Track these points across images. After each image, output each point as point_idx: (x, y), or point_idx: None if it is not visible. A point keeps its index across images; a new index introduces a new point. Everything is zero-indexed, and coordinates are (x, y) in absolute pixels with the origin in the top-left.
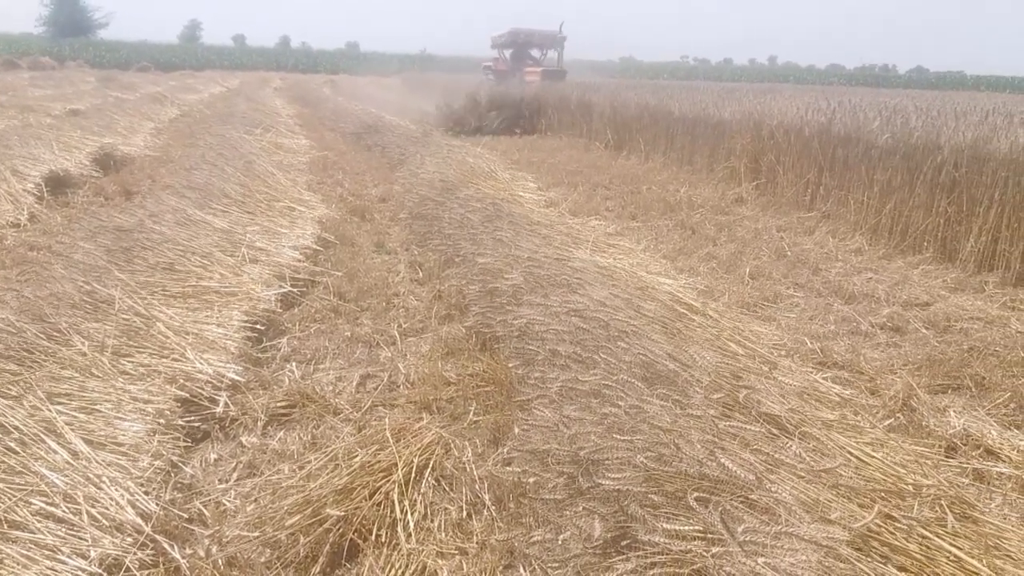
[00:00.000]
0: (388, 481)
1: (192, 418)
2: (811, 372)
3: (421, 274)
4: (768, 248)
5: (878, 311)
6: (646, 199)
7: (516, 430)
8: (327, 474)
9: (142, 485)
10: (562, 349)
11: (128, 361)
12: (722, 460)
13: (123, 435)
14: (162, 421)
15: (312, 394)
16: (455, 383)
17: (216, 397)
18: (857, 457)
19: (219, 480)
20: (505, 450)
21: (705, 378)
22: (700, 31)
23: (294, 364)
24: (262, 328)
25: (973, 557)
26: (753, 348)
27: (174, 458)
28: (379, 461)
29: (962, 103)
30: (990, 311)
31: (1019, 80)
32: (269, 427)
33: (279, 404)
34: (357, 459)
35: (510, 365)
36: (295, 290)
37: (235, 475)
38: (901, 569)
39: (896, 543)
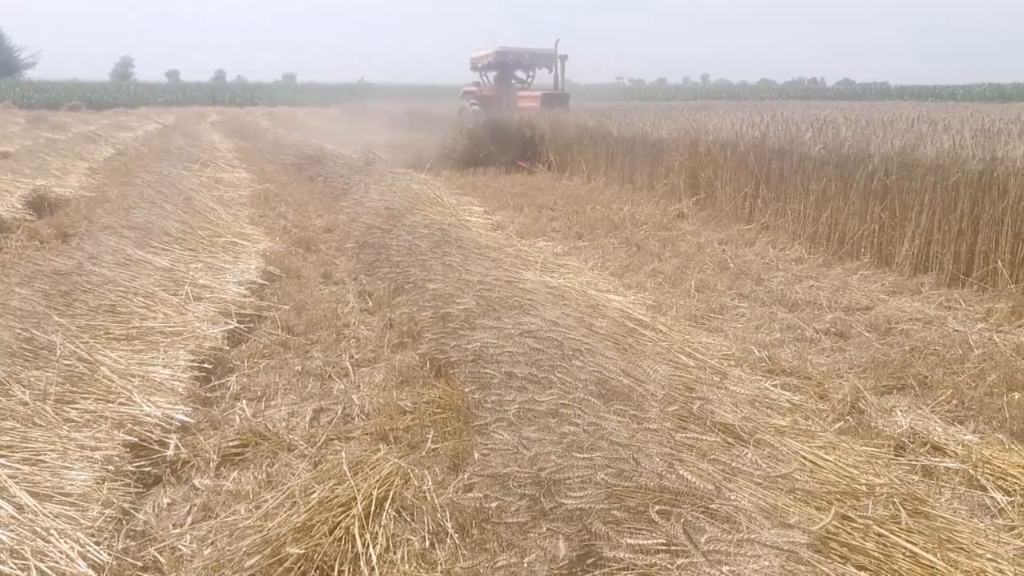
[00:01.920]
0: (348, 515)
1: (142, 463)
2: (761, 380)
3: (371, 303)
4: (711, 261)
5: (821, 317)
6: (591, 218)
7: (476, 455)
8: (285, 512)
9: (93, 535)
10: (517, 371)
11: (72, 408)
12: (681, 472)
13: (70, 485)
14: (111, 468)
15: (265, 432)
16: (411, 412)
17: (166, 440)
18: (811, 461)
19: (173, 525)
20: (466, 476)
21: (659, 391)
22: (633, 52)
23: (244, 402)
24: (210, 367)
25: (928, 551)
26: (703, 359)
27: (125, 505)
28: (337, 496)
29: (888, 113)
30: (928, 312)
31: (940, 88)
32: (222, 468)
33: (231, 444)
34: (315, 495)
35: (466, 390)
36: (242, 326)
37: (189, 519)
38: (860, 568)
39: (854, 543)
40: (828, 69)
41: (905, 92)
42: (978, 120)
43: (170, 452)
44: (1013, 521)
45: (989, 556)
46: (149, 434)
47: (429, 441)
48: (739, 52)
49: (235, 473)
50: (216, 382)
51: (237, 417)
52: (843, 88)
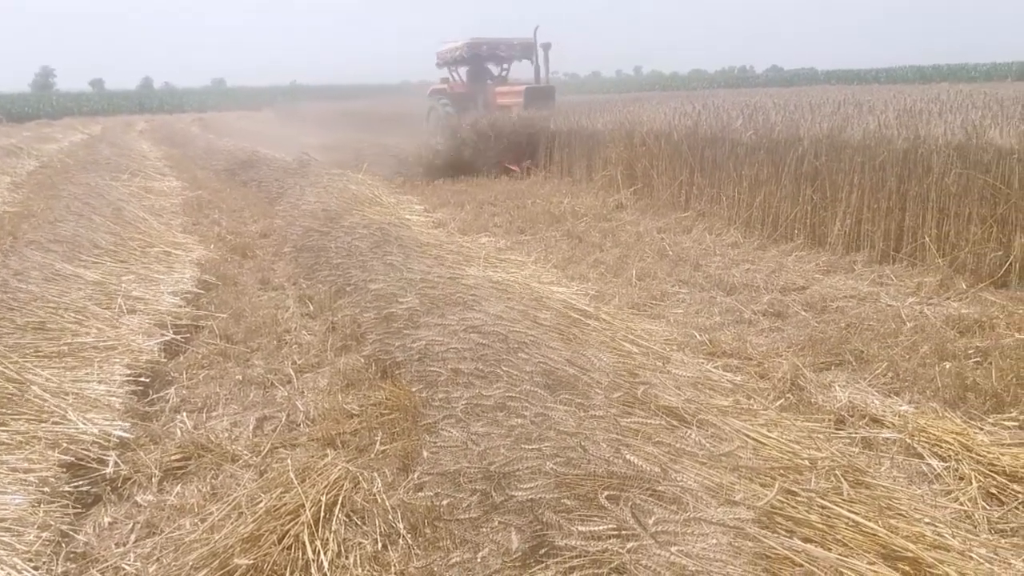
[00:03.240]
0: (297, 523)
1: (80, 482)
2: (703, 363)
3: (312, 307)
4: (651, 249)
5: (759, 299)
6: (532, 212)
7: (425, 454)
8: (231, 523)
9: (30, 560)
10: (464, 367)
11: (2, 430)
12: (628, 456)
13: (3, 509)
14: (47, 489)
15: (207, 443)
16: (358, 415)
17: (104, 457)
18: (754, 439)
19: (116, 544)
20: (416, 476)
21: (604, 379)
22: (566, 47)
23: (185, 414)
24: (147, 380)
25: (869, 520)
26: (647, 345)
27: (64, 527)
28: (285, 504)
29: (816, 97)
30: (861, 288)
31: (865, 72)
32: (165, 482)
33: (173, 458)
34: (262, 504)
35: (413, 389)
36: (179, 337)
37: (133, 536)
38: (806, 540)
39: (799, 516)
40: (757, 57)
41: (832, 76)
42: (901, 101)
43: (109, 470)
44: (949, 486)
45: (927, 520)
46: (86, 452)
47: (377, 443)
48: (671, 44)
49: (178, 487)
50: (155, 395)
51: (178, 430)
52: (772, 75)
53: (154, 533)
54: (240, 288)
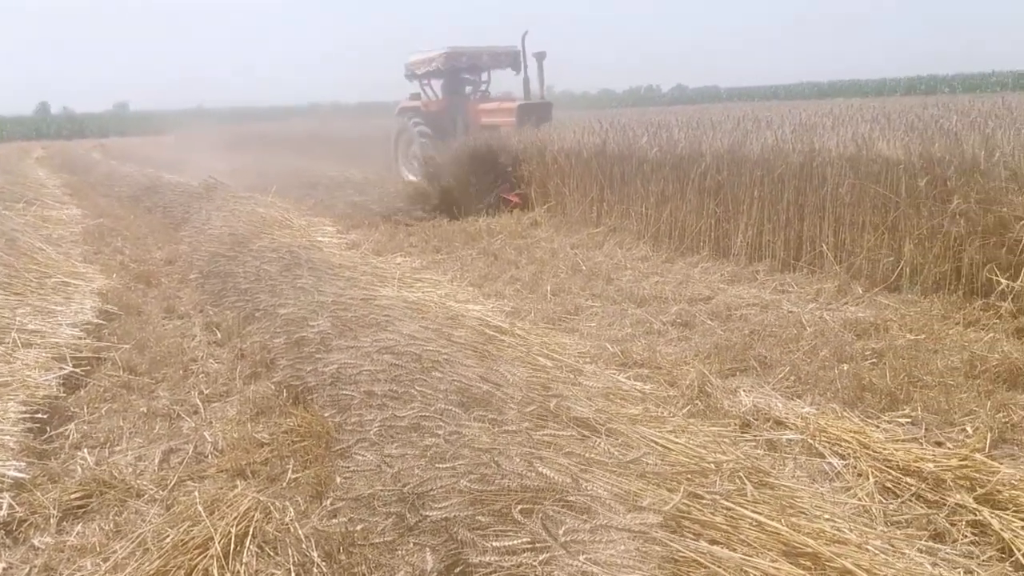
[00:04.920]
0: (206, 556)
1: None
2: (614, 373)
3: (219, 335)
4: (565, 265)
5: (667, 310)
6: (447, 232)
7: (338, 480)
8: (136, 561)
9: None
10: (377, 388)
11: None
12: (540, 469)
13: None
14: None
15: (110, 479)
16: (269, 443)
17: None
18: (662, 445)
19: None
20: (329, 502)
21: (518, 393)
22: None
23: (86, 450)
24: (45, 416)
25: (772, 519)
26: (560, 359)
27: None
28: (193, 537)
29: (717, 114)
30: (764, 297)
31: (764, 89)
32: (64, 522)
33: (73, 496)
34: (168, 539)
35: (326, 414)
36: (79, 370)
37: None
38: (711, 541)
39: (704, 518)
40: (663, 76)
41: (733, 94)
42: (796, 116)
43: (3, 512)
44: (848, 482)
45: (827, 517)
46: None
47: (289, 471)
48: (580, 65)
49: (79, 527)
50: (53, 432)
51: (79, 467)
52: (677, 94)
53: None
54: (144, 317)
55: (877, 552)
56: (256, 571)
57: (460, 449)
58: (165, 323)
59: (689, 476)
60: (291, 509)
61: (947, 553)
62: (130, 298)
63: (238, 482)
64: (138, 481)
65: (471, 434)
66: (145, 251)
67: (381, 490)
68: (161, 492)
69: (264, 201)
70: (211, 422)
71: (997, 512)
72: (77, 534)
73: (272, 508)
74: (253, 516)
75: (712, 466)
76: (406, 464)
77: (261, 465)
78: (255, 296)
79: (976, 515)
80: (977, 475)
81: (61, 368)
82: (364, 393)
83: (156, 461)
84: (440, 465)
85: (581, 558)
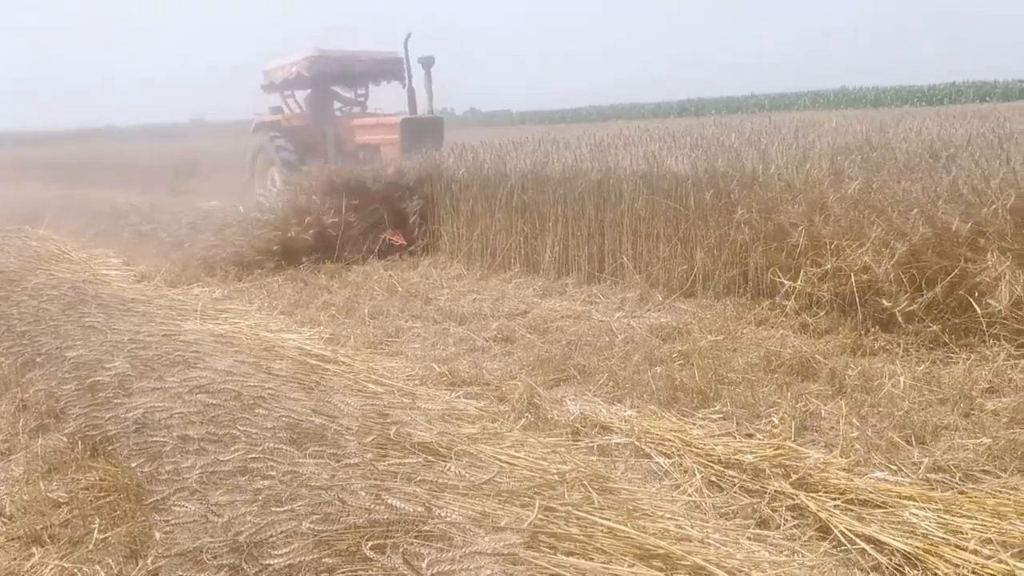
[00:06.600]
0: None
1: None
2: (447, 394)
3: None
4: (380, 287)
5: (488, 326)
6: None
7: (157, 535)
8: None
9: None
10: (193, 432)
11: None
12: (389, 501)
13: None
14: None
15: None
16: (67, 502)
17: None
18: (505, 461)
19: None
20: (149, 561)
21: (355, 424)
22: None
23: None
24: None
25: (621, 524)
26: (391, 384)
27: None
28: None
29: (515, 136)
30: (575, 308)
31: (553, 113)
32: None
33: None
34: None
35: (133, 465)
36: None
37: None
38: (569, 553)
39: (560, 531)
40: (456, 100)
41: (525, 117)
42: (590, 137)
43: None
44: (677, 480)
45: (668, 516)
46: None
47: (95, 531)
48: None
49: None
50: None
51: None
52: (470, 117)
53: None
54: None
55: (719, 545)
56: None
57: (297, 489)
58: None
59: (538, 490)
60: (102, 573)
61: (774, 539)
62: None
63: (35, 550)
64: None
65: (308, 472)
66: None
67: (210, 541)
68: None
69: (36, 234)
70: None
71: (812, 495)
72: None
73: (79, 574)
74: None
75: (556, 477)
76: (237, 511)
77: (60, 528)
78: (35, 339)
79: (794, 499)
80: (790, 463)
81: None
82: (178, 438)
83: None
84: (277, 509)
85: None
